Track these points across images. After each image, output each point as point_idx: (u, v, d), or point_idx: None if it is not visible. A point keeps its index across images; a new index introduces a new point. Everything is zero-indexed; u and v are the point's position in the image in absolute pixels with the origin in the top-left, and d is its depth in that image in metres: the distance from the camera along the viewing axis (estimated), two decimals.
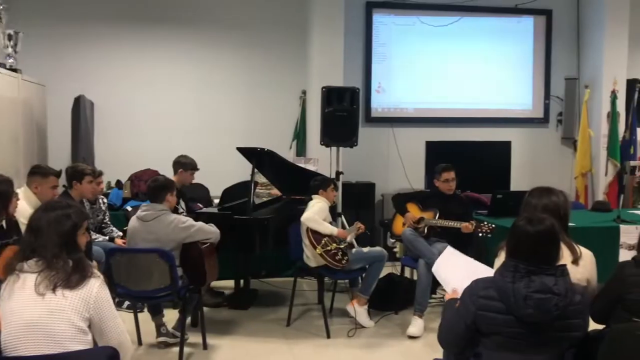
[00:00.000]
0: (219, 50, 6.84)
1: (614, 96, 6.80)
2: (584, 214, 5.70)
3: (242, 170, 5.36)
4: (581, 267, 2.67)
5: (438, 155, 6.20)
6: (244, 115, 6.88)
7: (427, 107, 7.07)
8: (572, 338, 2.24)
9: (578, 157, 7.01)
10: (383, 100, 6.98)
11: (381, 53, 6.92)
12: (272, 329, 4.53)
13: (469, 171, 6.25)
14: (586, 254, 2.73)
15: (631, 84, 6.93)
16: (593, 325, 2.28)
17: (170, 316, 4.19)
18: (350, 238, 4.55)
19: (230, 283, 5.25)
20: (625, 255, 4.54)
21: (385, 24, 6.89)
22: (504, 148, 6.81)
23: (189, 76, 6.79)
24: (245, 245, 4.53)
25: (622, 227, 4.86)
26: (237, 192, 5.17)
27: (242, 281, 5.23)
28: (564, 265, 2.31)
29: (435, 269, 3.36)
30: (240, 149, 4.94)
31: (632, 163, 6.91)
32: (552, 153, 7.43)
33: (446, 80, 7.08)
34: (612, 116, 6.81)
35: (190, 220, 3.99)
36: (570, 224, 4.82)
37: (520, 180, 6.80)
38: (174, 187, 4.14)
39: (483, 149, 6.75)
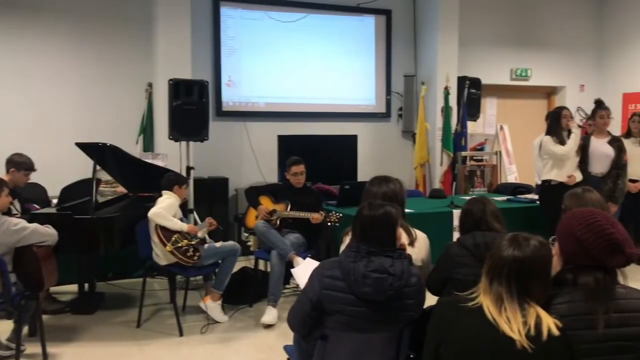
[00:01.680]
0: (55, 41, 6.34)
1: (446, 92, 7.37)
2: (422, 201, 6.15)
3: (83, 167, 5.03)
4: (416, 248, 2.88)
5: (290, 148, 6.33)
6: (86, 110, 6.45)
7: (278, 102, 7.16)
8: (408, 317, 2.40)
9: (416, 148, 7.52)
10: (234, 94, 6.95)
11: (230, 47, 6.88)
12: (121, 331, 4.33)
13: (319, 164, 6.47)
14: (421, 237, 2.95)
15: (461, 81, 7.55)
16: (430, 302, 2.46)
17: (5, 327, 3.84)
18: (201, 234, 4.50)
19: (73, 287, 4.92)
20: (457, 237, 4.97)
21: (233, 17, 6.86)
22: (351, 141, 7.11)
23: (22, 69, 6.21)
24: (88, 246, 4.27)
25: (455, 211, 5.31)
26: (78, 190, 4.86)
27: (86, 284, 4.93)
28: (403, 249, 2.47)
29: (295, 272, 3.47)
30: (80, 145, 4.63)
31: (464, 153, 7.56)
32: (394, 145, 7.89)
33: (296, 75, 7.22)
34: (446, 111, 7.38)
35: (23, 222, 3.68)
36: (410, 210, 5.24)
37: (366, 171, 7.13)
38: (5, 187, 3.78)
39: (332, 143, 6.99)
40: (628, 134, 6.14)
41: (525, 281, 1.87)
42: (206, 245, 4.52)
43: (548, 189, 5.44)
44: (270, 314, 4.42)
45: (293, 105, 7.23)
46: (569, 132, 5.43)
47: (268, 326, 4.38)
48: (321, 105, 7.37)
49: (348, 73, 7.52)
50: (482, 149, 8.27)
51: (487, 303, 1.88)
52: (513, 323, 1.80)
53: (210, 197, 6.44)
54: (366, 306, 2.34)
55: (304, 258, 4.47)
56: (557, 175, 5.42)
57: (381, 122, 7.81)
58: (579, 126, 5.55)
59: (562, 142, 5.39)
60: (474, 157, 7.99)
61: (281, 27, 7.07)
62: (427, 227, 3.16)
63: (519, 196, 6.17)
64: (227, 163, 6.89)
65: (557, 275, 1.97)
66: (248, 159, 7.01)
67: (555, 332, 1.79)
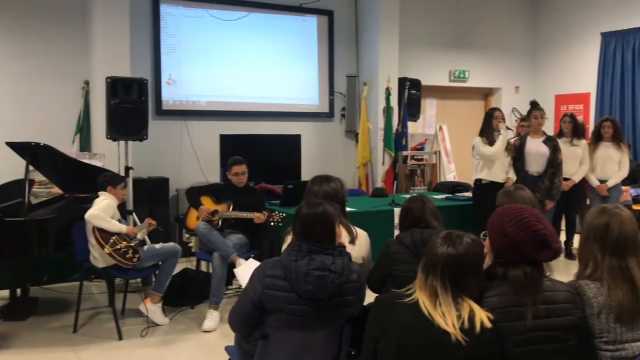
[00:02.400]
0: None
1: (388, 93, 7.49)
2: (365, 200, 6.22)
3: (15, 168, 4.82)
4: (357, 246, 2.93)
5: (232, 148, 6.27)
6: (18, 108, 6.18)
7: (220, 101, 7.09)
8: (348, 314, 2.44)
9: (359, 148, 7.61)
10: (174, 93, 6.83)
11: (171, 44, 6.76)
12: (56, 337, 4.19)
13: (262, 163, 6.45)
14: (361, 235, 3.00)
15: (402, 82, 7.69)
16: (370, 299, 2.50)
17: None
18: (141, 235, 4.41)
19: (4, 293, 4.72)
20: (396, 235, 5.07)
21: (173, 15, 6.74)
22: (295, 141, 7.13)
23: None
24: (20, 249, 4.12)
25: (396, 210, 5.40)
26: (9, 192, 4.65)
27: (18, 290, 4.73)
28: (344, 247, 2.51)
29: (237, 272, 3.46)
30: (10, 145, 4.45)
31: (404, 153, 7.71)
32: (338, 145, 7.96)
33: (238, 74, 7.16)
34: (387, 111, 7.50)
35: None
36: (353, 208, 5.30)
37: (310, 170, 7.13)
38: None
39: (275, 142, 6.98)
40: (560, 134, 6.42)
41: (458, 277, 1.94)
42: (146, 247, 4.43)
43: (479, 187, 5.65)
44: (211, 319, 4.37)
45: (235, 104, 7.17)
46: (499, 133, 5.63)
47: (209, 332, 4.33)
48: (264, 104, 7.35)
49: (291, 72, 7.52)
50: (422, 149, 8.45)
51: (422, 298, 1.93)
52: (447, 317, 1.86)
53: (151, 197, 6.32)
54: (308, 304, 2.36)
55: (247, 259, 4.45)
56: (487, 174, 5.63)
57: (324, 121, 7.86)
58: (508, 128, 5.72)
59: (492, 143, 5.59)
60: (415, 157, 8.15)
61: (223, 25, 7.00)
62: (369, 225, 3.22)
63: (457, 194, 6.34)
64: (167, 163, 6.77)
65: (487, 270, 2.04)
66: (189, 158, 6.90)
67: (488, 324, 1.86)
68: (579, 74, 8.81)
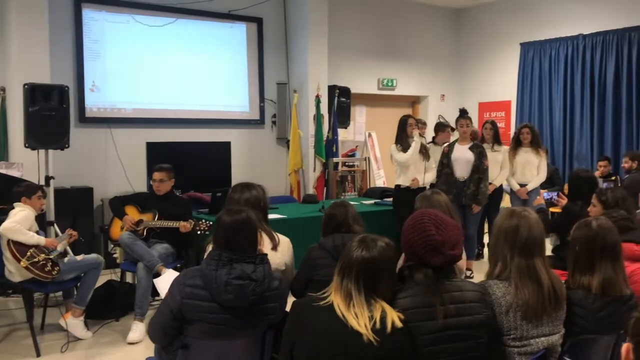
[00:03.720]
0: None
1: (318, 100, 7.54)
2: (295, 207, 6.26)
3: None
4: (279, 252, 2.94)
5: (160, 156, 6.14)
6: None
7: (147, 108, 6.94)
8: (270, 321, 2.44)
9: (290, 155, 7.63)
10: (99, 100, 6.64)
11: (94, 50, 6.56)
12: None
13: (191, 171, 6.38)
14: (284, 241, 3.02)
15: (331, 89, 7.78)
16: None
17: None
18: (61, 247, 4.25)
19: None
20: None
21: (97, 20, 6.56)
22: (224, 148, 7.07)
23: None
24: None
25: None
26: None
27: None
28: (265, 255, 2.51)
29: (157, 282, 3.39)
30: None
31: (335, 160, 7.78)
32: (269, 152, 7.96)
33: (166, 81, 7.04)
34: (317, 118, 7.54)
35: None
36: (283, 215, 5.32)
37: (241, 178, 7.05)
38: None
39: (204, 149, 6.90)
40: (482, 140, 6.67)
41: (372, 279, 1.99)
42: (66, 259, 4.27)
43: (398, 192, 5.82)
44: (136, 331, 4.25)
45: (163, 112, 7.04)
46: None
47: (134, 344, 4.22)
48: (193, 111, 7.25)
49: (220, 79, 7.47)
50: (353, 155, 8.58)
51: (337, 301, 1.97)
52: (360, 318, 1.91)
53: (74, 207, 6.09)
54: (228, 313, 2.35)
55: (174, 269, 4.37)
56: (403, 180, 5.81)
57: (255, 128, 7.84)
58: (421, 135, 5.90)
59: (406, 150, 5.76)
60: (346, 163, 8.26)
61: (149, 31, 6.87)
62: (299, 231, 3.24)
63: (385, 199, 6.47)
64: (91, 172, 6.56)
65: (400, 272, 2.11)
66: (115, 167, 6.71)
67: (399, 324, 1.92)
68: (501, 82, 9.21)
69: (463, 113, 6.31)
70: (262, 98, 7.80)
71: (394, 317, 1.93)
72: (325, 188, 7.43)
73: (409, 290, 2.04)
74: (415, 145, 5.72)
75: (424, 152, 5.88)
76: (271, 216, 5.20)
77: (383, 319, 1.91)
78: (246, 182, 3.07)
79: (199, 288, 2.36)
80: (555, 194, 4.84)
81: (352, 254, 2.03)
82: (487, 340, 2.11)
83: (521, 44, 8.88)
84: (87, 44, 6.51)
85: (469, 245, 5.69)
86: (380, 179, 8.41)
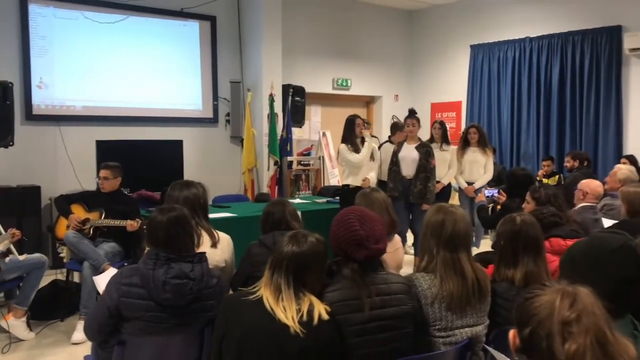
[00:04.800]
0: None
1: (271, 99, 7.57)
2: (248, 205, 6.27)
3: None
4: (219, 250, 2.98)
5: (110, 154, 6.02)
6: None
7: (97, 106, 6.84)
8: (209, 317, 2.48)
9: (244, 154, 7.63)
10: (46, 97, 6.51)
11: (42, 47, 6.43)
12: None
13: (142, 170, 6.32)
14: (224, 238, 3.05)
15: (286, 88, 7.82)
16: None
17: None
18: (3, 246, 4.17)
19: None
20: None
21: (44, 15, 6.43)
22: (176, 147, 6.99)
23: None
24: None
25: None
26: None
27: None
28: (203, 253, 2.55)
29: (96, 280, 3.38)
30: None
31: (289, 158, 7.83)
32: (223, 151, 7.94)
33: (116, 78, 6.95)
34: (271, 117, 7.57)
35: None
36: (234, 214, 5.33)
37: (194, 177, 6.86)
38: None
39: (156, 148, 6.82)
40: (431, 140, 6.82)
41: (301, 273, 2.05)
42: (7, 259, 4.20)
43: (347, 192, 5.86)
44: (81, 330, 4.19)
45: (114, 109, 6.95)
46: (363, 139, 5.90)
47: (78, 344, 4.18)
48: (145, 109, 7.18)
49: (173, 77, 7.42)
50: (308, 154, 8.64)
51: (267, 295, 2.02)
52: (288, 311, 1.97)
53: (20, 207, 5.97)
54: (165, 311, 2.38)
55: (121, 267, 4.34)
56: (353, 180, 5.87)
57: (209, 127, 7.81)
58: (373, 136, 6.01)
59: (356, 150, 5.83)
60: (302, 162, 8.32)
61: (99, 28, 6.77)
62: (248, 230, 3.26)
63: (337, 198, 6.55)
64: (39, 170, 6.43)
65: (329, 267, 2.18)
66: (63, 165, 6.59)
67: (325, 317, 1.99)
68: (452, 83, 9.42)
69: (411, 113, 6.44)
70: (215, 96, 7.78)
71: (321, 310, 1.99)
72: (277, 187, 7.47)
73: (337, 284, 2.11)
74: (368, 145, 5.82)
75: (371, 152, 5.98)
76: (221, 215, 5.26)
77: (310, 311, 1.98)
78: (186, 180, 3.10)
79: (136, 286, 2.38)
80: (496, 191, 4.99)
81: (282, 249, 2.09)
82: (413, 331, 2.19)
83: (471, 46, 9.11)
84: (34, 40, 6.37)
85: (418, 243, 5.81)
86: (334, 177, 8.49)
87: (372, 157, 6.01)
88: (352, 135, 5.83)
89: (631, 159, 6.80)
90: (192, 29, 7.54)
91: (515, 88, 8.60)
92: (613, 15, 7.61)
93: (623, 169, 4.89)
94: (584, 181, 4.20)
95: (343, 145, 5.85)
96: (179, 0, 7.32)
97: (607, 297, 1.40)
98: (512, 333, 1.33)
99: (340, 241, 2.13)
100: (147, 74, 7.16)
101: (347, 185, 5.87)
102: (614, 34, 7.60)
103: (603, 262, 1.61)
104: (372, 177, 5.98)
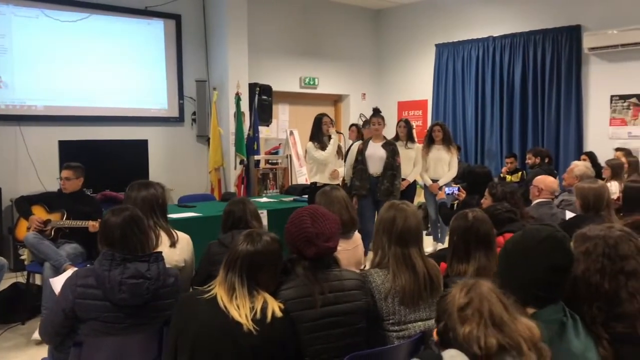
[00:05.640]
0: None
1: (238, 98, 7.54)
2: (214, 205, 6.24)
3: None
4: (178, 249, 2.98)
5: (73, 155, 5.95)
6: None
7: (60, 105, 6.73)
8: (167, 316, 2.48)
9: (211, 153, 7.60)
10: (6, 97, 6.37)
11: (1, 45, 6.30)
12: None
13: (106, 170, 6.26)
14: (183, 238, 3.06)
15: (252, 87, 7.82)
16: None
17: None
18: None
19: None
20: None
21: (3, 13, 6.29)
22: (141, 146, 6.96)
23: None
24: None
25: None
26: None
27: None
28: (159, 253, 2.55)
29: (53, 282, 3.34)
30: None
31: (256, 157, 7.82)
32: (189, 150, 7.90)
33: (80, 78, 6.84)
34: (238, 116, 7.54)
35: None
36: (199, 213, 5.32)
37: (160, 176, 6.98)
38: None
39: (120, 148, 6.77)
40: (396, 138, 6.89)
41: (255, 272, 2.08)
42: None
43: (314, 190, 5.91)
44: None
45: (77, 109, 6.85)
46: (330, 137, 5.96)
47: (41, 342, 4.13)
48: (109, 109, 7.10)
49: (138, 76, 7.34)
50: (277, 153, 8.65)
51: (221, 293, 2.05)
52: (242, 309, 1.99)
53: None
54: (122, 311, 2.38)
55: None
56: (320, 177, 5.94)
57: (174, 126, 7.76)
58: (338, 132, 6.08)
59: (323, 148, 5.90)
60: (270, 161, 8.32)
61: (61, 26, 6.66)
62: (214, 229, 3.24)
63: (304, 196, 6.59)
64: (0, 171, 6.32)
65: (284, 264, 2.21)
66: (25, 166, 6.47)
67: (279, 314, 2.02)
68: (418, 82, 9.53)
69: (376, 112, 6.51)
70: (181, 95, 7.73)
71: (274, 307, 2.02)
72: (242, 186, 7.47)
73: (291, 282, 2.15)
74: (334, 142, 5.87)
75: (338, 150, 6.04)
76: (186, 214, 5.23)
77: (264, 309, 2.01)
78: (144, 180, 3.10)
79: (92, 287, 2.38)
80: (457, 188, 5.09)
81: (237, 248, 2.11)
82: (367, 326, 2.24)
83: (436, 45, 9.23)
84: None
85: None
86: (302, 176, 8.51)
87: (340, 154, 6.08)
88: (319, 133, 5.90)
89: (591, 156, 6.98)
90: (157, 27, 7.48)
91: (479, 86, 8.75)
92: (573, 15, 7.80)
93: (579, 166, 5.03)
94: (538, 177, 4.31)
95: (310, 144, 5.93)
96: None
97: (537, 284, 1.50)
98: (434, 331, 1.41)
99: (292, 238, 2.17)
100: (111, 73, 7.08)
101: (315, 183, 5.92)
102: (573, 33, 7.79)
103: (532, 252, 1.69)
104: (341, 172, 6.05)
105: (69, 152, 6.22)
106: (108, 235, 2.44)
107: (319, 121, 5.95)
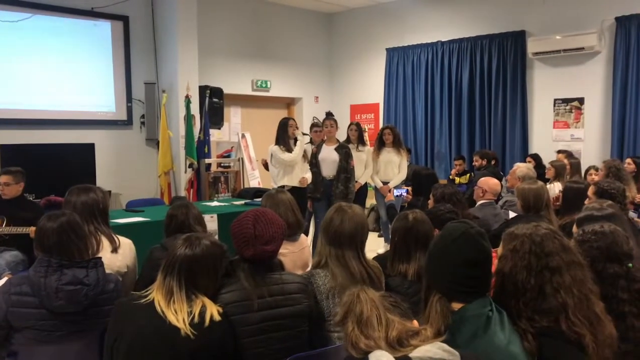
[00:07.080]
0: None
1: (188, 100, 7.42)
2: (162, 209, 6.13)
3: None
4: (120, 255, 2.93)
5: (15, 159, 5.79)
6: None
7: (0, 108, 6.52)
8: (106, 323, 2.44)
9: (160, 156, 7.45)
10: None
11: None
12: None
13: (51, 175, 6.09)
14: (125, 243, 3.01)
15: (202, 90, 7.72)
16: None
17: None
18: None
19: None
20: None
21: None
22: (87, 150, 6.79)
23: None
24: None
25: None
26: None
27: None
28: (98, 258, 2.50)
29: None
30: None
31: (207, 161, 7.74)
32: (138, 153, 7.75)
33: (21, 80, 6.63)
34: (188, 119, 7.43)
35: None
36: (147, 218, 5.23)
37: (106, 181, 6.85)
38: None
39: (65, 152, 6.59)
40: (347, 140, 6.95)
41: (193, 276, 2.06)
42: None
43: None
44: None
45: (19, 112, 6.63)
46: (295, 139, 5.99)
47: None
48: (54, 112, 6.89)
49: (84, 79, 7.16)
50: (229, 156, 8.59)
51: (158, 298, 2.02)
52: (179, 314, 1.97)
53: None
54: (58, 319, 2.33)
55: None
56: (288, 180, 5.94)
57: (122, 129, 7.61)
58: (304, 134, 6.12)
59: (289, 150, 5.92)
60: (222, 164, 8.25)
61: (1, 27, 6.45)
62: (161, 234, 3.19)
63: (255, 199, 6.56)
64: None
65: (226, 267, 2.20)
66: None
67: (217, 318, 2.01)
68: (370, 85, 9.63)
69: (328, 115, 6.57)
70: (129, 98, 7.58)
71: (213, 311, 2.01)
72: (193, 190, 7.39)
73: (232, 286, 2.14)
74: (300, 144, 5.90)
75: (303, 152, 6.06)
76: (133, 219, 5.13)
77: (202, 313, 1.99)
78: (84, 184, 3.04)
79: (27, 295, 2.32)
80: (404, 190, 5.18)
81: (175, 252, 2.09)
82: (309, 328, 2.25)
83: (387, 49, 9.34)
84: None
85: None
86: (254, 179, 8.49)
87: (306, 157, 6.10)
88: (285, 136, 5.90)
89: (536, 158, 7.21)
90: (104, 29, 7.31)
91: (429, 90, 8.90)
92: (517, 21, 8.03)
93: (521, 167, 5.18)
94: (482, 179, 4.43)
95: (276, 147, 5.91)
96: None
97: (456, 279, 1.57)
98: None
99: (234, 238, 2.18)
100: (55, 76, 6.89)
101: (283, 187, 5.89)
102: (518, 38, 8.02)
103: (448, 249, 1.75)
104: (309, 178, 6.06)
105: (12, 156, 6.03)
106: (44, 241, 2.38)
107: (284, 125, 5.98)
